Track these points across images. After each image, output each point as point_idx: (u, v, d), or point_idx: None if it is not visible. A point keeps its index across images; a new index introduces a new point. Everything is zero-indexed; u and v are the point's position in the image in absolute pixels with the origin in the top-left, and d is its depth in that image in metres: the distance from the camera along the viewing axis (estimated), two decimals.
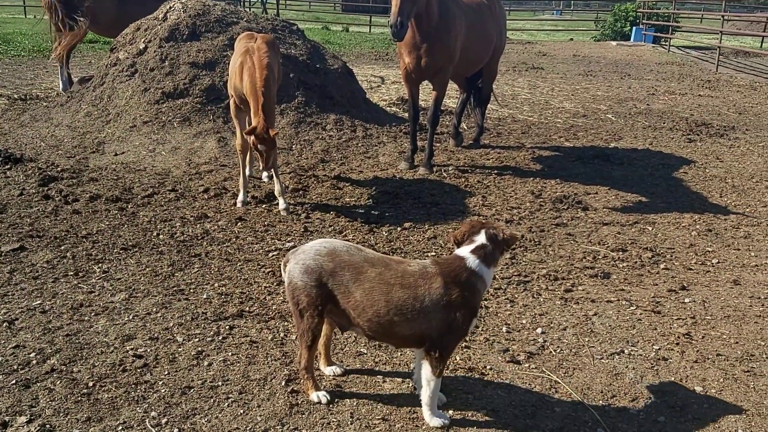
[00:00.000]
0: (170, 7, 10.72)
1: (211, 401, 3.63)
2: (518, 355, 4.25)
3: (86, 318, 4.47)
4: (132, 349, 4.11)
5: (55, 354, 4.00)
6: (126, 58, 10.22)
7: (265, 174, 7.37)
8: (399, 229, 6.45)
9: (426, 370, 3.38)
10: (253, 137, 6.06)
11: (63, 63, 12.10)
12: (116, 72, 10.14)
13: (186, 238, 5.96)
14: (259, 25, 10.79)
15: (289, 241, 5.97)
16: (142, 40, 10.34)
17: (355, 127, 9.94)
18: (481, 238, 3.44)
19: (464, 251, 3.44)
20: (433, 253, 5.87)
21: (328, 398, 3.64)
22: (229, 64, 9.70)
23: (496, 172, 8.61)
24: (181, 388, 3.73)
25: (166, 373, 3.88)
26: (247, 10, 15.93)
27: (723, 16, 25.81)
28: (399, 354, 4.18)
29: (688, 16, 36.22)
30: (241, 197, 6.91)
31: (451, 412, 3.61)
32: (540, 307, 4.95)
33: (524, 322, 4.72)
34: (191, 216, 6.49)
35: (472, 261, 3.39)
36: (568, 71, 19.76)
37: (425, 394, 3.44)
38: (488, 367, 4.10)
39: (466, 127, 10.74)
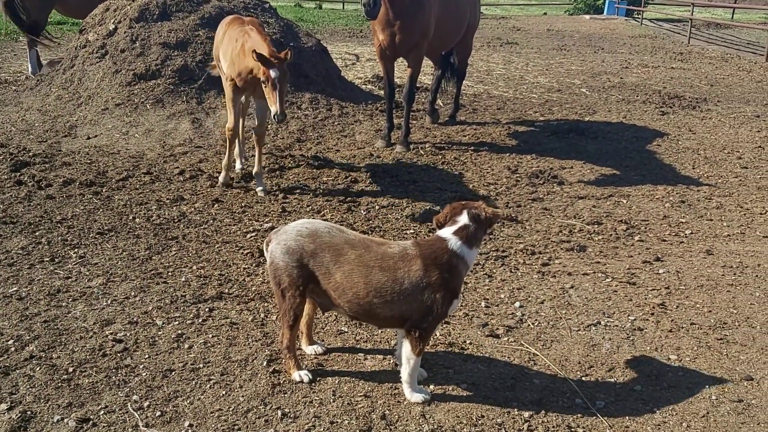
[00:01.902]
0: None
1: (192, 383, 3.64)
2: (497, 329, 4.30)
3: (64, 304, 4.43)
4: (111, 333, 4.09)
5: (33, 341, 3.97)
6: (96, 39, 10.04)
7: (260, 189, 6.73)
8: (377, 207, 6.46)
9: (406, 349, 3.41)
10: (263, 67, 5.75)
11: (30, 46, 11.85)
12: (86, 54, 9.96)
13: (162, 221, 5.92)
14: (230, 3, 10.65)
15: (267, 222, 5.95)
16: (112, 20, 10.16)
17: (330, 105, 9.90)
18: (463, 219, 3.44)
19: (446, 232, 3.45)
20: (412, 231, 5.90)
21: (310, 377, 3.66)
22: (202, 44, 9.63)
23: (472, 148, 8.64)
24: (162, 371, 3.73)
25: (147, 356, 3.87)
26: None
27: None
28: (380, 332, 4.21)
29: None
30: (222, 178, 6.84)
31: (431, 387, 3.65)
32: (518, 282, 5.01)
33: (503, 296, 4.77)
34: (167, 198, 6.44)
35: (454, 242, 3.40)
36: (542, 46, 19.79)
37: (405, 372, 3.48)
38: (468, 341, 4.15)
39: (442, 104, 10.73)
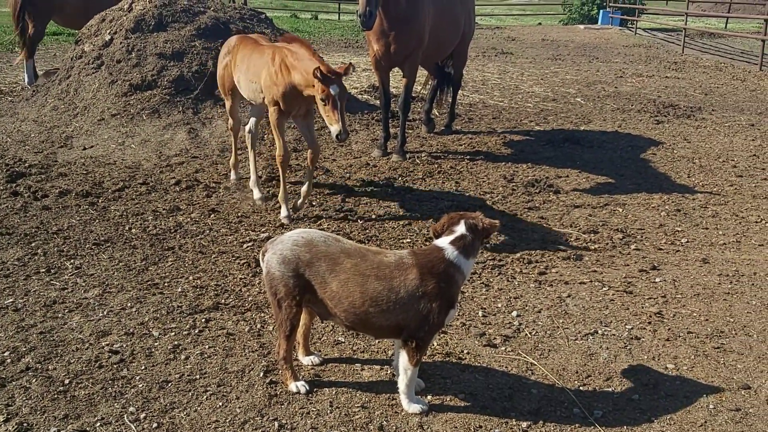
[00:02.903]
0: None
1: (189, 395, 3.62)
2: (494, 338, 4.30)
3: (60, 315, 4.42)
4: (108, 344, 4.07)
5: (29, 352, 3.95)
6: (91, 50, 10.05)
7: (284, 214, 6.29)
8: (374, 216, 6.46)
9: (403, 359, 3.40)
10: (322, 85, 5.40)
11: (28, 57, 11.85)
12: (82, 65, 9.97)
13: (159, 232, 5.91)
14: (227, 14, 10.69)
15: (263, 232, 5.95)
16: (108, 31, 10.17)
17: None
18: (460, 229, 3.44)
19: (443, 242, 3.45)
20: (408, 240, 5.90)
21: (307, 388, 3.65)
22: (198, 54, 9.64)
23: (468, 157, 8.66)
24: (159, 383, 3.71)
25: (143, 367, 3.85)
26: None
27: None
28: (377, 342, 4.20)
29: None
30: (284, 210, 6.28)
31: (429, 397, 3.64)
32: (515, 291, 5.01)
33: (500, 305, 4.77)
34: (163, 209, 6.44)
35: (451, 252, 3.40)
36: (537, 55, 19.87)
37: (402, 382, 3.47)
38: (465, 351, 4.14)
39: (437, 114, 10.76)
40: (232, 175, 7.32)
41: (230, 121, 7.22)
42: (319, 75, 5.35)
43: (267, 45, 6.38)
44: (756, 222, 6.57)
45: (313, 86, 5.53)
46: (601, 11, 33.02)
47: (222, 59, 6.84)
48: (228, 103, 7.05)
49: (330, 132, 5.63)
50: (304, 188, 6.44)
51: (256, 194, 6.75)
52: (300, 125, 6.42)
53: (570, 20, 35.12)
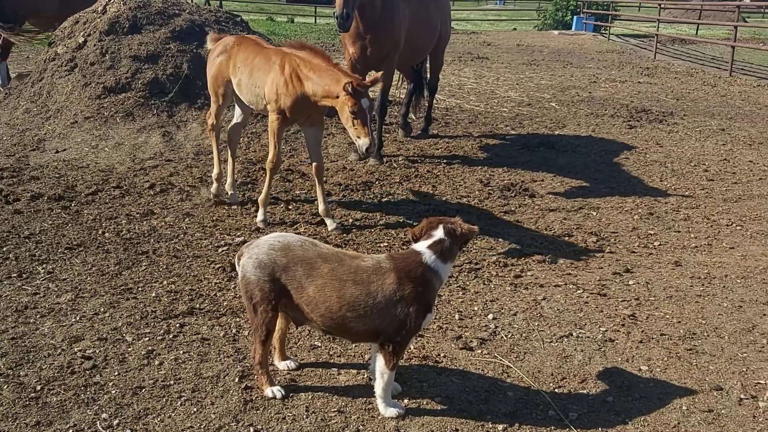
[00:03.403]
0: (109, 0, 10.44)
1: (163, 401, 3.58)
2: (471, 341, 4.31)
3: (32, 320, 4.35)
4: (80, 350, 4.02)
5: (0, 358, 3.89)
6: (65, 52, 9.93)
7: (332, 227, 6.17)
8: (350, 220, 6.45)
9: (380, 363, 3.40)
10: (353, 98, 5.22)
11: (0, 59, 11.67)
12: (55, 67, 9.84)
13: (132, 236, 5.85)
14: (202, 17, 10.62)
15: (238, 236, 5.91)
16: (81, 33, 10.05)
17: None
18: (438, 233, 3.45)
19: (421, 246, 3.46)
20: (386, 244, 5.90)
21: (283, 393, 3.63)
22: (173, 57, 9.57)
23: (445, 161, 8.69)
24: (132, 389, 3.67)
25: (116, 373, 3.81)
26: (190, 1, 15.63)
27: (660, 5, 26.54)
28: (353, 346, 4.19)
29: (627, 4, 37.07)
30: (260, 215, 6.20)
31: (406, 401, 3.64)
32: (491, 294, 5.03)
33: (476, 308, 4.79)
34: (137, 213, 6.37)
35: (428, 256, 3.40)
36: (512, 61, 20.02)
37: (379, 386, 3.46)
38: (442, 354, 4.15)
39: (414, 118, 10.79)
40: (214, 187, 6.78)
41: (211, 119, 6.79)
42: (350, 90, 5.20)
43: (273, 50, 6.15)
44: (727, 225, 6.68)
45: (336, 98, 5.38)
46: (575, 17, 33.39)
47: (215, 58, 6.52)
48: (215, 105, 6.71)
49: (358, 146, 5.47)
50: (321, 207, 6.25)
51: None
52: (307, 136, 6.26)
53: (544, 26, 35.45)
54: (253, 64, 6.09)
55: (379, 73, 5.63)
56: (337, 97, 5.38)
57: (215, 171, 6.76)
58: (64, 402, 3.53)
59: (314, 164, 6.21)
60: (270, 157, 6.10)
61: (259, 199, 6.27)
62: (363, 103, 5.27)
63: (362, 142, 5.39)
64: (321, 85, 5.51)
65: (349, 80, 5.25)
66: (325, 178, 6.73)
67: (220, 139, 6.95)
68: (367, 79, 5.46)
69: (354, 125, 5.38)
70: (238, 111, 6.86)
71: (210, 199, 6.72)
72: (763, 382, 3.95)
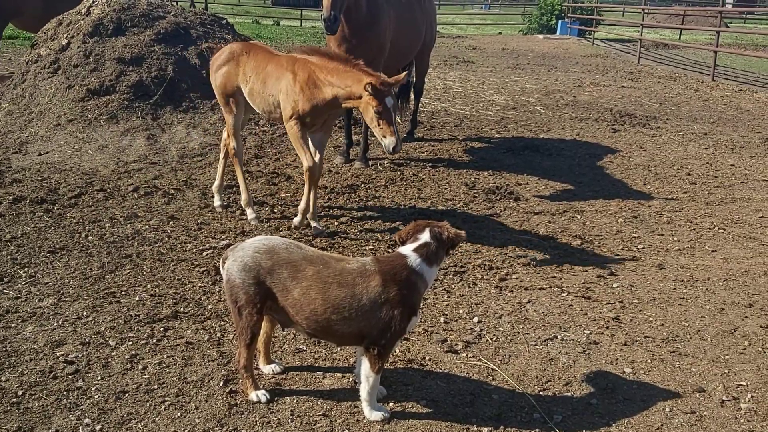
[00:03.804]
0: (93, 2, 10.38)
1: (147, 405, 3.56)
2: (456, 344, 4.32)
3: (13, 325, 4.30)
4: (62, 355, 3.98)
5: None
6: (48, 54, 9.84)
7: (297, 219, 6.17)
8: (336, 223, 6.44)
9: (365, 367, 3.39)
10: (376, 99, 5.11)
11: None
12: (38, 69, 9.76)
13: (116, 239, 5.80)
14: (187, 19, 10.58)
15: (223, 239, 5.89)
16: (65, 35, 9.98)
17: None
18: (425, 237, 3.45)
19: (406, 249, 3.46)
20: (371, 247, 5.90)
21: (268, 397, 3.62)
22: (157, 59, 9.52)
23: (430, 164, 8.70)
24: (116, 393, 3.64)
25: (99, 378, 3.78)
26: (174, 4, 15.57)
27: (644, 10, 26.76)
28: (338, 349, 4.18)
29: (611, 9, 37.37)
30: (314, 224, 6.05)
31: (391, 404, 3.64)
32: (476, 297, 5.05)
33: (461, 311, 4.80)
34: (121, 216, 6.33)
35: (414, 259, 3.41)
36: (497, 64, 20.10)
37: (364, 390, 3.46)
38: (427, 357, 4.16)
39: (400, 121, 10.80)
40: (250, 214, 6.40)
41: (231, 141, 6.36)
42: (371, 90, 5.11)
43: (284, 57, 5.99)
44: (709, 228, 6.74)
45: (359, 98, 5.30)
46: (560, 21, 33.58)
47: (220, 66, 6.23)
48: (230, 117, 6.30)
49: (384, 145, 5.37)
50: (301, 205, 6.16)
51: (217, 201, 6.64)
52: (314, 140, 6.07)
53: (530, 30, 35.62)
54: (266, 72, 5.92)
55: (404, 73, 5.54)
56: (360, 98, 5.30)
57: (243, 197, 6.42)
58: (46, 407, 3.49)
59: (316, 164, 6.01)
60: (305, 164, 5.84)
61: (309, 216, 6.07)
62: (387, 102, 5.18)
63: (388, 142, 5.32)
64: (342, 87, 5.40)
65: (370, 80, 5.16)
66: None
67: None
68: (390, 78, 5.33)
69: (379, 125, 5.30)
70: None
71: (252, 222, 6.33)
72: (744, 383, 3.99)
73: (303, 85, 5.61)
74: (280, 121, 6.00)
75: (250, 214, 6.39)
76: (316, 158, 5.98)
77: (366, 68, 5.44)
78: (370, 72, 5.36)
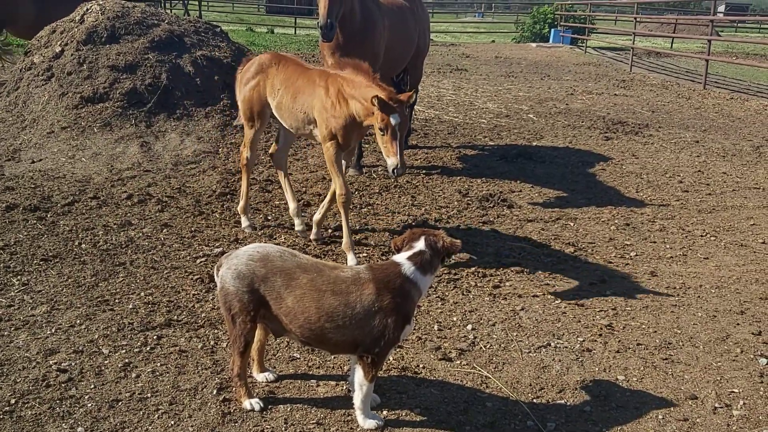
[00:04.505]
0: (87, 9, 10.39)
1: (140, 414, 3.55)
2: (450, 352, 4.33)
3: (6, 333, 4.29)
4: (55, 363, 3.97)
5: None
6: (41, 61, 9.84)
7: (314, 233, 6.07)
8: (330, 230, 6.45)
9: (359, 375, 3.40)
10: (382, 113, 4.90)
11: None
12: (31, 76, 9.75)
13: (109, 247, 5.80)
14: (181, 27, 10.59)
15: (217, 247, 5.88)
16: (59, 43, 9.98)
17: None
18: (419, 245, 3.46)
19: (401, 257, 3.47)
20: (365, 255, 5.90)
21: (261, 405, 3.62)
22: (151, 67, 9.52)
23: (424, 172, 8.72)
24: (109, 402, 3.63)
25: (93, 386, 3.77)
26: (168, 11, 15.58)
27: (635, 18, 26.90)
28: (332, 358, 4.19)
29: (603, 18, 37.58)
30: (351, 259, 5.68)
31: (385, 412, 3.64)
32: (470, 304, 5.06)
33: (455, 319, 4.81)
34: (114, 224, 6.32)
35: (408, 267, 3.41)
36: (490, 72, 20.17)
37: (358, 398, 3.46)
38: (421, 365, 4.16)
39: None
40: (245, 222, 6.38)
41: (246, 152, 6.25)
42: (377, 103, 4.88)
43: (316, 70, 5.80)
44: (701, 236, 6.78)
45: (372, 114, 5.07)
46: (553, 30, 33.74)
47: (248, 79, 6.06)
48: (251, 132, 6.16)
49: (387, 165, 5.10)
50: (317, 216, 6.08)
51: (298, 225, 6.28)
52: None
53: (522, 38, 35.78)
54: (297, 87, 5.72)
55: (412, 91, 5.31)
56: (374, 113, 5.04)
57: (241, 204, 6.37)
58: (39, 415, 3.48)
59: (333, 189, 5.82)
60: (337, 190, 5.62)
61: (342, 246, 5.78)
62: (392, 118, 4.91)
63: (390, 162, 5.05)
64: (361, 101, 5.19)
65: (379, 93, 4.94)
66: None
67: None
68: (401, 95, 5.08)
69: (383, 142, 5.05)
70: (282, 136, 6.42)
71: (246, 230, 6.31)
72: (737, 390, 4.01)
73: (334, 101, 5.41)
74: (309, 137, 5.84)
75: (244, 221, 6.36)
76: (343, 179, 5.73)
77: (381, 83, 5.25)
78: (383, 86, 5.14)
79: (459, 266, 5.76)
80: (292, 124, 5.89)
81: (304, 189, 7.71)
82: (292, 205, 6.32)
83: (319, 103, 5.52)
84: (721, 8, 48.50)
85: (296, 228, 6.27)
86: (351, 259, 5.64)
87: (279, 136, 6.49)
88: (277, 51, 6.26)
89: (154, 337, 4.33)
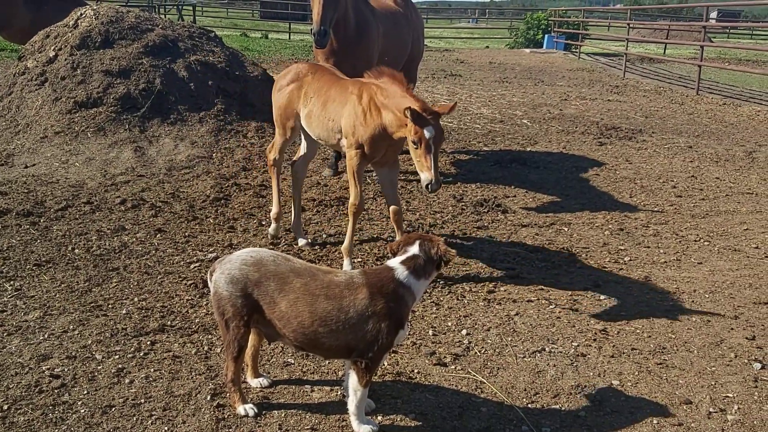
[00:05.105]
0: (81, 14, 10.37)
1: (133, 420, 3.53)
2: (445, 357, 4.32)
3: None
4: (48, 369, 3.95)
5: None
6: (35, 66, 9.82)
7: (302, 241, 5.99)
8: (324, 236, 6.44)
9: (353, 380, 3.39)
10: (416, 126, 4.69)
11: None
12: (25, 81, 9.72)
13: (103, 252, 5.77)
14: (175, 32, 10.58)
15: (211, 252, 5.87)
16: (52, 47, 9.95)
17: None
18: (413, 249, 3.46)
19: (394, 261, 3.46)
20: (359, 260, 5.90)
21: (256, 411, 3.60)
22: (145, 72, 9.51)
23: (418, 177, 8.71)
24: (102, 408, 3.61)
25: (86, 392, 3.75)
26: (163, 17, 15.58)
27: (629, 24, 27.03)
28: (327, 363, 4.17)
29: (596, 24, 37.75)
30: (346, 264, 5.64)
31: (379, 418, 3.63)
32: (464, 309, 5.05)
33: (450, 324, 4.80)
34: (108, 229, 6.29)
35: (401, 272, 3.41)
36: (484, 78, 20.22)
37: (352, 404, 3.45)
38: (416, 370, 4.15)
39: None
40: (272, 231, 6.27)
41: (273, 153, 6.19)
42: (410, 115, 4.65)
43: (350, 80, 5.68)
44: (695, 241, 6.79)
45: (406, 126, 4.84)
46: (546, 36, 33.90)
47: (282, 86, 5.99)
48: (281, 138, 6.10)
49: (420, 180, 4.90)
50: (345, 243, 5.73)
51: (301, 242, 6.22)
52: (382, 177, 5.71)
53: (516, 44, 35.93)
54: (328, 95, 5.60)
55: (453, 103, 5.11)
56: (407, 126, 4.82)
57: (274, 210, 6.18)
58: (32, 422, 3.46)
59: (392, 208, 5.61)
60: (351, 199, 5.53)
61: (342, 248, 5.69)
62: (426, 131, 4.69)
63: (423, 177, 4.85)
64: (395, 111, 4.98)
65: (412, 104, 4.71)
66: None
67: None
68: (438, 106, 4.88)
69: (416, 156, 4.85)
70: (303, 144, 6.34)
71: (270, 238, 6.23)
72: (731, 395, 4.01)
73: (365, 110, 5.24)
74: (336, 148, 5.66)
75: (272, 229, 6.20)
76: (394, 202, 5.61)
77: (415, 94, 5.01)
78: (417, 98, 4.93)
79: (453, 271, 5.76)
80: (320, 134, 5.72)
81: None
82: (292, 218, 6.31)
83: (348, 111, 5.36)
84: (714, 15, 48.76)
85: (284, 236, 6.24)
86: (346, 264, 5.62)
87: (303, 145, 6.34)
88: (313, 61, 5.87)
89: (148, 343, 4.32)
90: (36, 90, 9.52)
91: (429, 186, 4.82)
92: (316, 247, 6.14)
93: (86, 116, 9.04)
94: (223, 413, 3.60)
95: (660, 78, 22.45)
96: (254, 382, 3.88)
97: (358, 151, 5.34)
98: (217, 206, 7.10)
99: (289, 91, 5.90)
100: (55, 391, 3.74)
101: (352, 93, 5.41)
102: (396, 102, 4.98)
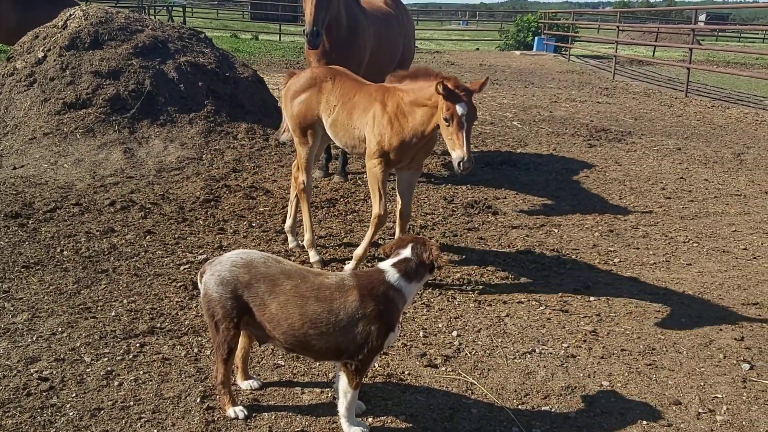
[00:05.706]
0: (70, 15, 10.32)
1: (122, 422, 3.51)
2: (435, 358, 4.32)
3: None
4: (36, 371, 3.92)
5: None
6: (24, 67, 9.76)
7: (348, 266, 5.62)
8: (315, 237, 6.42)
9: (343, 382, 3.38)
10: (447, 102, 4.58)
11: None
12: (13, 82, 9.66)
13: (92, 254, 5.74)
14: (165, 33, 10.54)
15: (200, 254, 5.85)
16: (41, 48, 9.90)
17: (267, 135, 9.86)
18: (405, 252, 3.45)
19: (386, 264, 3.46)
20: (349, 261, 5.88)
21: (246, 413, 3.59)
22: (135, 73, 9.47)
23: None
24: (91, 410, 3.59)
25: (74, 395, 3.72)
26: (152, 17, 15.53)
27: (618, 27, 27.14)
28: (317, 365, 4.17)
29: (586, 26, 37.91)
30: (348, 266, 5.58)
31: (370, 419, 3.63)
32: (455, 311, 5.06)
33: (440, 325, 4.80)
34: (97, 230, 6.26)
35: (392, 274, 3.40)
36: (475, 80, 20.26)
37: (342, 406, 3.44)
38: (406, 372, 4.15)
39: None
40: (291, 242, 6.22)
41: (301, 175, 5.84)
42: (442, 90, 4.55)
43: (374, 86, 5.50)
44: (684, 242, 6.83)
45: (436, 107, 4.75)
46: (536, 38, 34.01)
47: (298, 93, 5.70)
48: (304, 151, 5.76)
49: (452, 159, 4.72)
50: (358, 250, 5.65)
51: (291, 243, 6.17)
52: (400, 180, 5.56)
53: (506, 46, 36.03)
54: (353, 103, 5.41)
55: (485, 79, 4.99)
56: (437, 107, 4.74)
57: (307, 237, 5.86)
58: (20, 425, 3.43)
59: (401, 211, 5.56)
60: (375, 210, 5.35)
61: (354, 252, 5.60)
62: (459, 107, 4.57)
63: (455, 155, 4.67)
64: (424, 102, 4.89)
65: (443, 80, 4.62)
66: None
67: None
68: (471, 83, 4.76)
69: (448, 134, 4.68)
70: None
71: (315, 264, 5.84)
72: (720, 396, 4.03)
73: (392, 116, 5.09)
74: (363, 155, 5.54)
75: (312, 256, 5.84)
76: (400, 203, 5.54)
77: (444, 77, 4.81)
78: (447, 76, 4.79)
79: (444, 272, 5.76)
80: (347, 142, 5.55)
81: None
82: (287, 220, 6.27)
83: (371, 120, 5.23)
84: (702, 17, 49.09)
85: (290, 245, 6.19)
86: (348, 267, 5.53)
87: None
88: (331, 66, 5.70)
89: (137, 345, 4.29)
90: (25, 91, 9.46)
91: (461, 164, 4.64)
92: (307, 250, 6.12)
93: (75, 117, 8.99)
94: (212, 416, 3.59)
95: (649, 80, 22.56)
96: (244, 385, 3.87)
97: (381, 159, 5.20)
98: (207, 208, 7.07)
99: (307, 97, 5.65)
100: (44, 393, 3.71)
101: (376, 100, 5.27)
102: (424, 93, 4.88)
